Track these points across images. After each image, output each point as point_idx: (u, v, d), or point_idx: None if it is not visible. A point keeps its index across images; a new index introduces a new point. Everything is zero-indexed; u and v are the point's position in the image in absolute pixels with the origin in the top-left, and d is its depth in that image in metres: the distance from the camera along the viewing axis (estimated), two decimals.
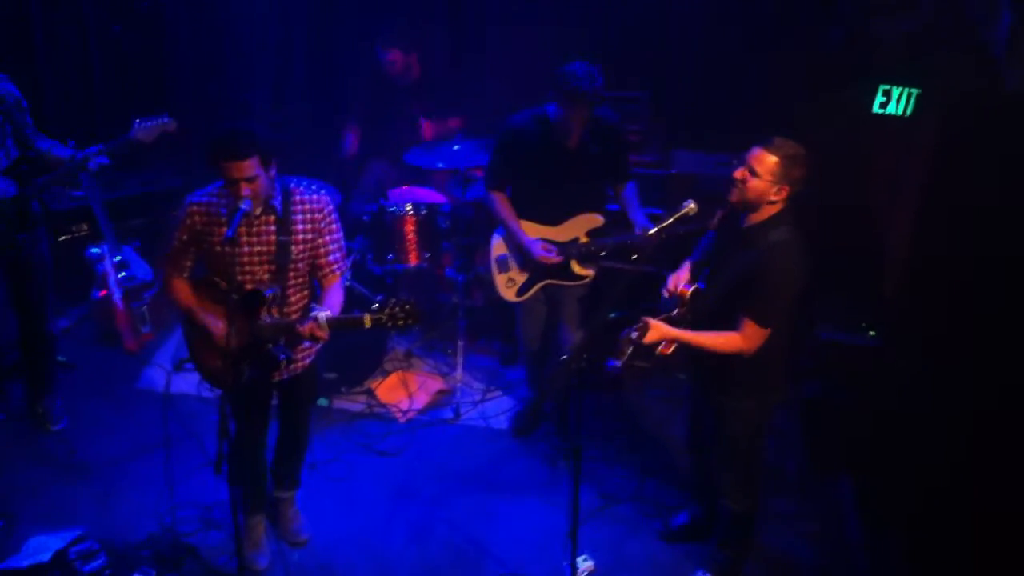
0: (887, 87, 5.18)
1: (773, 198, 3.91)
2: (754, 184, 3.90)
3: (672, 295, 4.26)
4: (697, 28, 6.72)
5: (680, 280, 4.31)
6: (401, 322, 3.86)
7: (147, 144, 5.19)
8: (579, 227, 5.21)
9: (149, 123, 5.11)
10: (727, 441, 4.33)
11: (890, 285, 5.33)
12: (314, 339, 4.00)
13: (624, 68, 6.72)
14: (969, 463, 4.01)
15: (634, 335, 3.99)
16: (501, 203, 5.22)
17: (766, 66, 6.35)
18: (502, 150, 5.17)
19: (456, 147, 6.09)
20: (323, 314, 3.91)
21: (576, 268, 5.21)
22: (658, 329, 4.02)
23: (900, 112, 5.17)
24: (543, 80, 4.94)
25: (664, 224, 4.30)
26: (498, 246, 5.37)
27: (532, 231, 5.19)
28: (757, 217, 3.98)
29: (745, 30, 6.51)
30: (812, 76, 5.78)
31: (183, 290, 4.25)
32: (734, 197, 4.00)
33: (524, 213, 5.21)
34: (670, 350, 4.09)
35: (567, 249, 5.18)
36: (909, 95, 5.13)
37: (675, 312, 4.19)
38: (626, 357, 4.01)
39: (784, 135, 3.96)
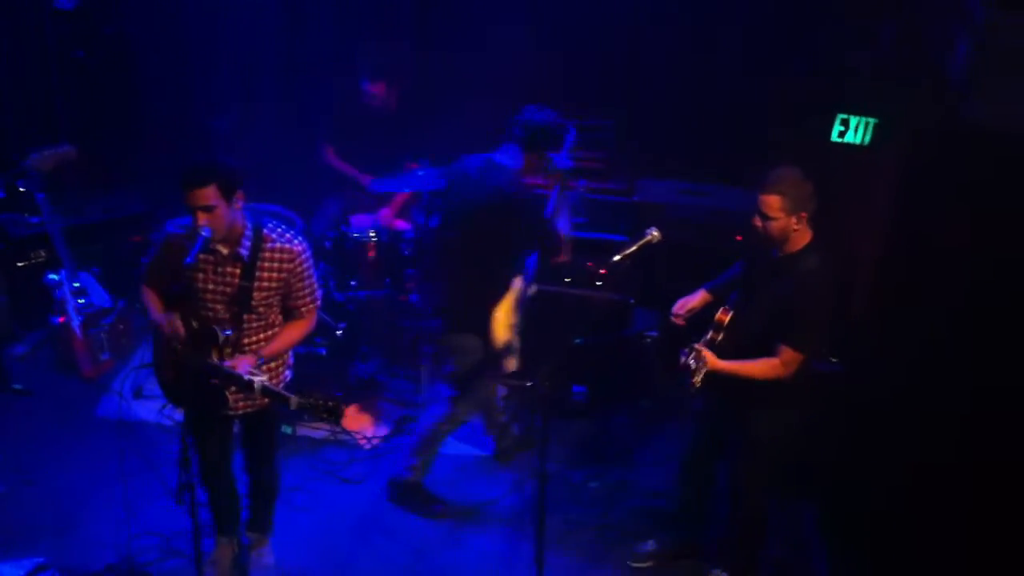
0: (845, 116, 5.29)
1: (796, 227, 4.06)
2: (773, 226, 4.06)
3: (712, 321, 4.34)
4: (664, 58, 6.78)
5: (689, 304, 4.51)
6: (324, 415, 3.89)
7: (45, 171, 5.15)
8: None
9: (46, 151, 5.04)
10: (752, 445, 4.42)
11: (853, 312, 5.37)
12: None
13: (590, 97, 6.77)
14: (932, 489, 4.04)
15: (692, 363, 4.11)
16: None
17: (733, 96, 6.42)
18: None
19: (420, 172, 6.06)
20: (258, 381, 3.92)
21: None
22: (712, 360, 4.12)
23: (859, 141, 5.27)
24: (508, 108, 4.92)
25: (628, 251, 4.30)
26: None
27: None
28: (790, 248, 4.14)
29: (712, 60, 6.59)
30: (779, 106, 5.85)
31: (151, 296, 4.28)
32: (763, 242, 4.16)
33: None
34: (700, 380, 4.14)
35: None
36: (867, 124, 5.25)
37: (709, 336, 4.28)
38: (700, 377, 4.10)
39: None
